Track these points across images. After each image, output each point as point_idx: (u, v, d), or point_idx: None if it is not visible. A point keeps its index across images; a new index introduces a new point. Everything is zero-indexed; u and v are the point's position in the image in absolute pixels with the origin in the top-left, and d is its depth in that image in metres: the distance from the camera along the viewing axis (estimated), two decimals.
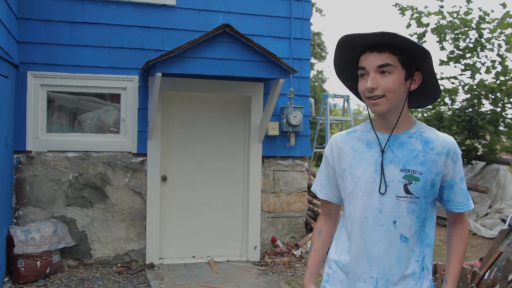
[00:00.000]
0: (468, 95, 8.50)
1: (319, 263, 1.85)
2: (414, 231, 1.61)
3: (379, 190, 1.61)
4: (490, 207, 8.20)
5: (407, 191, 1.59)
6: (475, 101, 8.38)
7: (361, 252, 1.65)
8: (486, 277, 3.22)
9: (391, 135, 1.64)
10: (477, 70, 8.20)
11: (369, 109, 1.64)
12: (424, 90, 1.66)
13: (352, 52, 1.63)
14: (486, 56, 8.34)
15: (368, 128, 1.71)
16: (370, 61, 1.56)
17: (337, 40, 1.63)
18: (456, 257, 1.69)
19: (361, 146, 1.69)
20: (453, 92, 8.64)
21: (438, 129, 8.27)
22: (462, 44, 8.38)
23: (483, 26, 8.11)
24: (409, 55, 1.57)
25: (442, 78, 8.80)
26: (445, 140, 1.62)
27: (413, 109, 9.40)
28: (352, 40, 1.59)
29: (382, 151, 1.63)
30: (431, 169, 1.59)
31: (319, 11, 19.50)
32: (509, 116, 8.32)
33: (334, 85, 45.48)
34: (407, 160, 1.60)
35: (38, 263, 4.63)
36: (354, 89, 1.77)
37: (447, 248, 1.73)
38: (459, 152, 1.65)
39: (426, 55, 1.55)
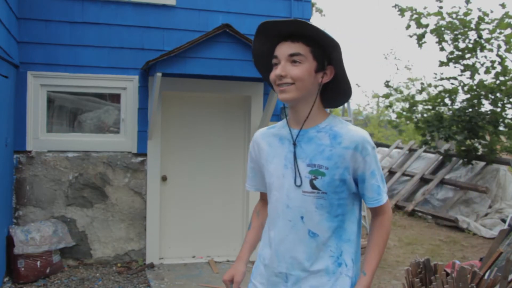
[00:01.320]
0: (468, 96, 8.50)
1: (256, 240, 1.90)
2: (327, 226, 1.61)
3: (295, 182, 1.62)
4: (490, 207, 8.21)
5: (313, 186, 1.59)
6: (475, 101, 8.38)
7: (272, 247, 1.69)
8: (486, 277, 3.22)
9: (300, 130, 1.65)
10: (476, 71, 8.20)
11: (278, 97, 1.66)
12: (337, 88, 1.67)
13: (269, 43, 1.65)
14: (485, 57, 8.34)
15: (284, 124, 1.73)
16: (283, 50, 1.58)
17: (257, 28, 1.64)
18: (375, 248, 1.65)
19: (275, 142, 1.72)
20: (452, 93, 8.64)
21: (438, 129, 8.32)
22: (461, 45, 8.38)
23: (482, 26, 8.10)
24: (322, 48, 1.58)
25: (442, 79, 8.80)
26: (355, 134, 1.60)
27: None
28: (268, 28, 1.61)
29: (294, 144, 1.64)
30: (338, 164, 1.58)
31: (319, 11, 19.50)
32: (509, 116, 8.32)
33: None
34: (313, 155, 1.61)
35: (38, 263, 4.63)
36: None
37: (368, 240, 1.72)
38: (370, 146, 1.62)
39: (335, 47, 1.56)
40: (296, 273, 1.64)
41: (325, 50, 1.59)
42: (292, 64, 1.57)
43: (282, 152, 1.67)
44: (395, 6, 8.84)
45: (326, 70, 1.62)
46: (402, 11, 8.76)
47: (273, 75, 1.62)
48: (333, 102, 1.73)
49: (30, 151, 5.03)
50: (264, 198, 1.93)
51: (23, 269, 4.54)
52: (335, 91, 1.68)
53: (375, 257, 1.65)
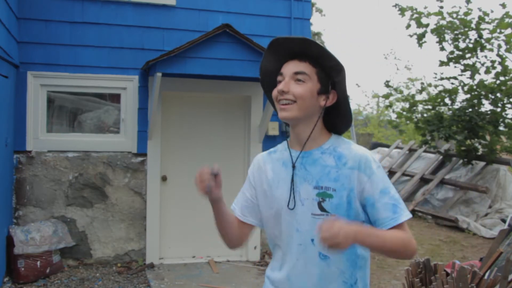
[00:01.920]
0: (468, 96, 8.50)
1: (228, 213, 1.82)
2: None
3: (288, 205, 1.59)
4: (490, 207, 8.20)
5: (321, 208, 1.54)
6: (475, 101, 8.38)
7: (283, 271, 1.64)
8: (486, 277, 3.22)
9: (301, 152, 1.61)
10: (477, 71, 8.20)
11: (278, 115, 1.62)
12: (337, 114, 1.65)
13: (277, 62, 1.65)
14: (485, 57, 8.34)
15: (285, 147, 1.69)
16: (289, 67, 1.59)
17: (268, 44, 1.65)
18: (391, 233, 1.49)
19: (279, 166, 1.67)
20: (452, 92, 8.64)
21: (438, 129, 8.32)
22: (462, 45, 8.38)
23: (482, 26, 8.10)
24: (328, 71, 1.58)
25: (442, 79, 8.80)
26: (357, 153, 1.55)
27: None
28: (279, 44, 1.62)
29: (293, 166, 1.60)
30: (345, 185, 1.54)
31: (319, 11, 19.49)
32: (509, 116, 8.32)
33: None
34: (320, 177, 1.56)
35: (38, 263, 4.63)
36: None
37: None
38: (375, 164, 1.56)
39: (340, 71, 1.56)
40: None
41: (330, 74, 1.58)
42: (296, 83, 1.56)
43: (286, 176, 1.63)
44: (396, 5, 8.84)
45: (329, 94, 1.60)
46: (402, 11, 8.76)
47: (275, 91, 1.61)
48: (334, 129, 1.69)
49: (30, 151, 5.03)
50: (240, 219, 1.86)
51: (23, 269, 4.54)
52: (336, 118, 1.66)
53: (384, 236, 1.48)
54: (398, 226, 1.50)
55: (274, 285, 1.69)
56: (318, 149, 1.60)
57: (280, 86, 1.57)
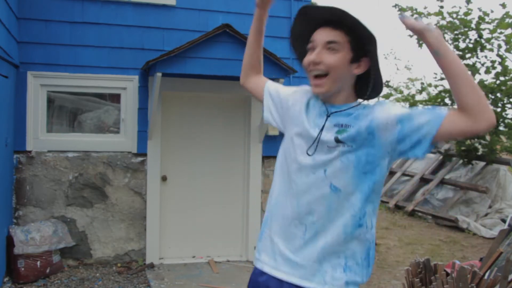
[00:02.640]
0: None
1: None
2: (351, 182, 1.52)
3: (307, 149, 1.59)
4: (490, 207, 8.20)
5: (337, 140, 1.54)
6: None
7: (293, 198, 1.62)
8: (486, 277, 3.22)
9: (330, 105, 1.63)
10: (477, 71, 8.20)
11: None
12: (368, 81, 1.62)
13: (308, 26, 1.63)
14: (485, 57, 8.34)
15: (316, 95, 1.68)
16: (321, 35, 1.56)
17: (298, 10, 1.63)
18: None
19: (315, 103, 1.69)
20: None
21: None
22: (462, 45, 8.38)
23: (482, 26, 8.11)
24: (360, 39, 1.55)
25: (442, 79, 8.80)
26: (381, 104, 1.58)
27: None
28: (310, 13, 1.60)
29: (328, 115, 1.60)
30: (363, 120, 1.53)
31: None
32: (509, 116, 8.32)
33: None
34: (341, 119, 1.57)
35: (38, 263, 4.63)
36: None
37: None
38: (399, 104, 1.60)
39: (372, 40, 1.53)
40: (314, 225, 1.55)
41: (362, 42, 1.56)
42: (328, 51, 1.54)
43: (319, 121, 1.62)
44: (395, 6, 8.85)
45: (361, 61, 1.58)
46: (402, 11, 8.77)
47: (306, 60, 1.58)
48: (363, 95, 1.67)
49: (30, 151, 5.03)
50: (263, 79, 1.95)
51: (23, 269, 4.54)
52: (366, 84, 1.63)
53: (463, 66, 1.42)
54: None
55: (283, 215, 1.63)
56: (346, 104, 1.60)
57: (312, 57, 1.55)
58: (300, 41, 1.70)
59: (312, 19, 1.60)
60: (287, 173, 1.65)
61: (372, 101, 1.65)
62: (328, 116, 1.59)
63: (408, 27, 1.46)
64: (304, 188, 1.58)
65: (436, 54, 1.43)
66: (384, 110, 1.53)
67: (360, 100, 1.64)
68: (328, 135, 1.55)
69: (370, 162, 1.53)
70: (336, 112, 1.60)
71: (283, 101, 1.77)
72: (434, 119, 1.44)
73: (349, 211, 1.53)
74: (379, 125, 1.50)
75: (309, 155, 1.57)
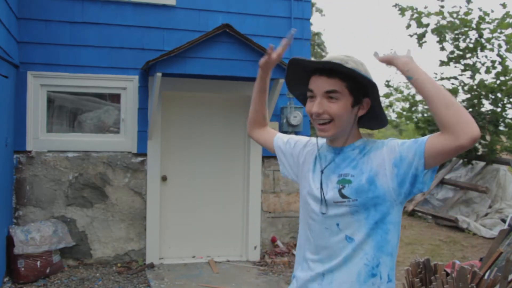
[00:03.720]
0: (468, 95, 8.50)
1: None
2: (363, 232, 1.55)
3: (321, 203, 1.64)
4: (490, 207, 8.20)
5: (342, 195, 1.57)
6: (475, 101, 8.38)
7: (311, 244, 1.70)
8: (486, 277, 3.22)
9: (335, 147, 1.66)
10: (477, 71, 8.20)
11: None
12: (372, 115, 1.66)
13: (304, 73, 1.64)
14: (486, 56, 8.34)
15: (321, 142, 1.75)
16: (319, 85, 1.56)
17: (288, 61, 1.64)
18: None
19: (314, 156, 1.75)
20: (453, 93, 8.64)
21: (438, 129, 8.32)
22: (462, 45, 8.37)
23: (483, 26, 8.10)
24: (358, 83, 1.57)
25: (442, 79, 8.79)
26: (378, 140, 1.63)
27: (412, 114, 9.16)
28: (302, 63, 1.61)
29: (321, 172, 1.66)
30: (363, 169, 1.56)
31: (319, 11, 19.49)
32: (509, 116, 8.32)
33: None
34: (344, 167, 1.61)
35: (38, 263, 4.63)
36: None
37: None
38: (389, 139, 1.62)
39: (373, 87, 1.55)
40: (330, 267, 1.60)
41: (360, 85, 1.58)
42: (328, 100, 1.56)
43: (318, 168, 1.69)
44: (396, 5, 8.84)
45: (363, 103, 1.61)
46: (402, 11, 8.76)
47: (310, 109, 1.61)
48: (369, 125, 1.74)
49: (30, 151, 5.03)
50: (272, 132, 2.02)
51: (23, 269, 4.54)
52: (370, 117, 1.68)
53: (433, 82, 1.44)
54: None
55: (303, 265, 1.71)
56: (350, 145, 1.64)
57: (315, 108, 1.57)
58: (298, 85, 1.73)
59: (306, 67, 1.62)
60: (306, 223, 1.73)
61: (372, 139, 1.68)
62: (322, 172, 1.65)
63: (380, 61, 1.56)
64: (320, 238, 1.65)
65: (408, 78, 1.49)
66: (381, 155, 1.55)
67: (364, 139, 1.67)
68: (331, 193, 1.60)
69: (379, 211, 1.56)
70: (334, 161, 1.64)
71: (295, 158, 1.84)
72: (418, 148, 1.46)
73: (363, 259, 1.57)
74: (377, 174, 1.54)
75: (323, 213, 1.63)
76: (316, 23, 30.04)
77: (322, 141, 1.75)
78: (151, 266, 5.21)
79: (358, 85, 1.56)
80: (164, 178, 5.46)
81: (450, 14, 8.36)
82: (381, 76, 34.79)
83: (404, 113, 9.26)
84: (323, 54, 19.77)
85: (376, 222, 1.55)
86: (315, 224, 1.67)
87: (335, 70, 1.54)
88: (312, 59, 1.59)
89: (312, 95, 1.59)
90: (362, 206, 1.55)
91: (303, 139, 1.87)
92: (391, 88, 9.58)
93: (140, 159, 5.31)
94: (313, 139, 1.83)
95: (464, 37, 8.29)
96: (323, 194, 1.61)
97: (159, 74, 4.60)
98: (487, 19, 8.06)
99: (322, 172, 1.64)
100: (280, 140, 1.91)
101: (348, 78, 1.54)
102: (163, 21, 5.36)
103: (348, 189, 1.56)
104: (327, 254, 1.62)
